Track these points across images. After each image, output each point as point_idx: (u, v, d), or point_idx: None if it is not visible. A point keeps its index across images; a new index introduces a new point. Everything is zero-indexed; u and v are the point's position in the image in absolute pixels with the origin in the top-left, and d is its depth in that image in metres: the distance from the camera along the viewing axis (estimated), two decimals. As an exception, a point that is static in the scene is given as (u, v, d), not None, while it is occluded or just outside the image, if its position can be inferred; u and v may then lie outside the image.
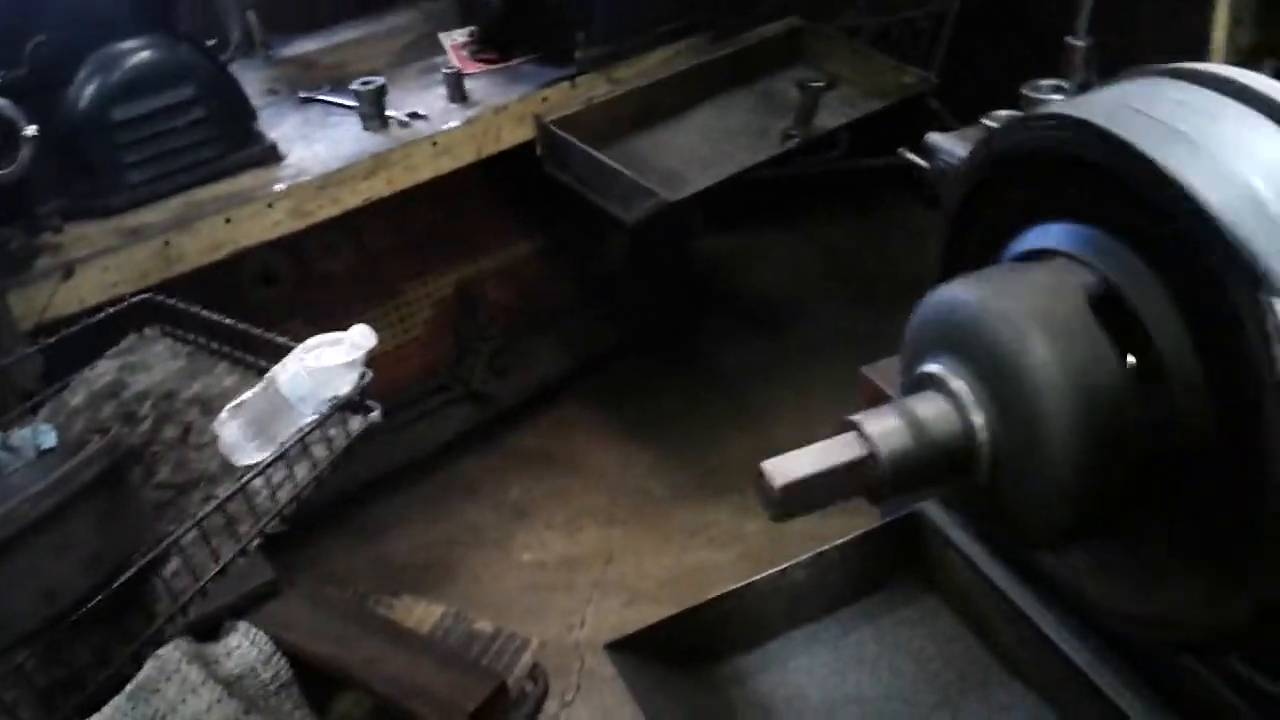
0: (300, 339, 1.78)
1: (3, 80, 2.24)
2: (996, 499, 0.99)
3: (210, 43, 2.71)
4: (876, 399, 1.63)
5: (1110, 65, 1.55)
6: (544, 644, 1.95)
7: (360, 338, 1.53)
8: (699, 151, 2.96)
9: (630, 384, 3.43)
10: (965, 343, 0.99)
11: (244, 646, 1.48)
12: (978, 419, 0.98)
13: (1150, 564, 1.06)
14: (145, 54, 2.42)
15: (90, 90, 2.38)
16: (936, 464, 0.97)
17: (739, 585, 1.51)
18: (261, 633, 1.49)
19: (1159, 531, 1.04)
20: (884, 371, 1.64)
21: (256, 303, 2.85)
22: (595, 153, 2.71)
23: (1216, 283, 0.88)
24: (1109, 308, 0.95)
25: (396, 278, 3.19)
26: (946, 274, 1.15)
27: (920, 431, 0.97)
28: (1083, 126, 0.98)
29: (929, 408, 0.99)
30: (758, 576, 1.52)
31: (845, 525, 2.76)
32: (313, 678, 1.64)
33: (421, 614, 2.38)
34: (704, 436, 3.19)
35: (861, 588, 1.58)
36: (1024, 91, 1.43)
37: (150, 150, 2.44)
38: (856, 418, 0.99)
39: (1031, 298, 0.97)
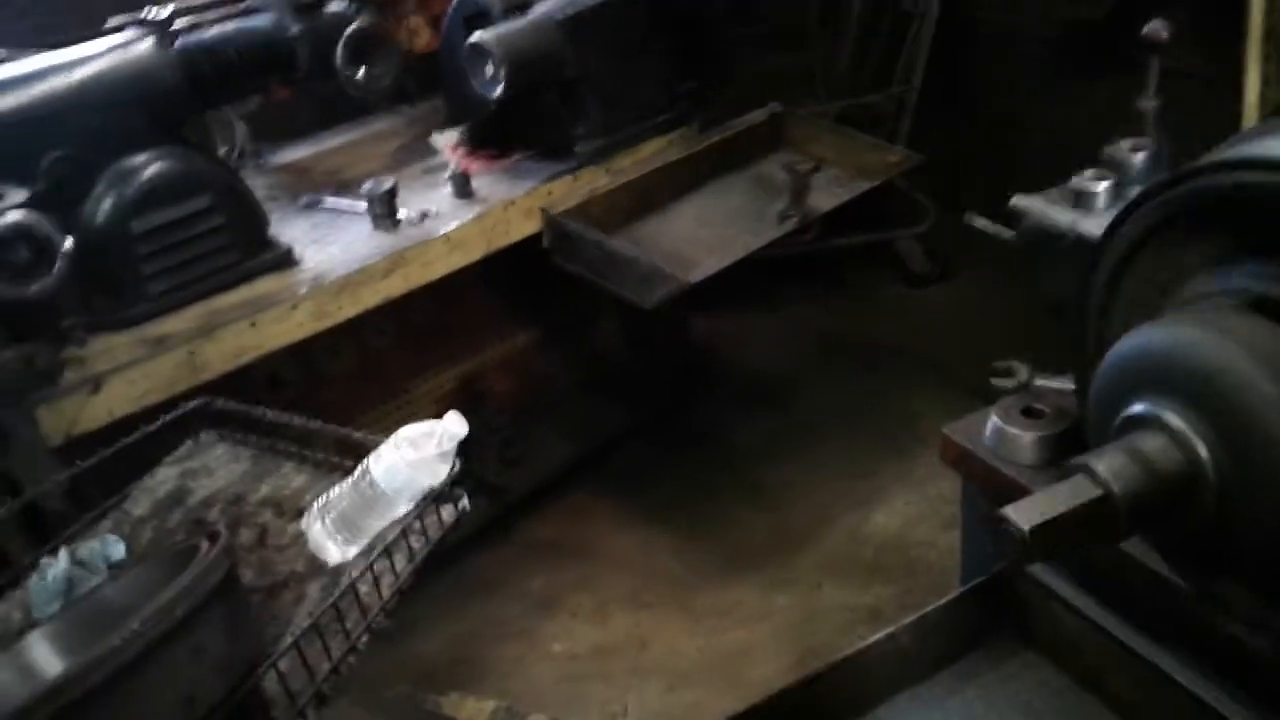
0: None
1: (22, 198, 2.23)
2: (1223, 531, 1.02)
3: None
4: (962, 459, 1.66)
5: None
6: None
7: (455, 426, 1.53)
8: (701, 235, 3.02)
9: (639, 467, 3.43)
10: (1172, 380, 1.03)
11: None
12: (1202, 450, 1.02)
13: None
14: (161, 165, 2.42)
15: (108, 203, 2.36)
16: (1167, 499, 1.00)
17: (850, 652, 1.51)
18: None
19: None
20: (966, 430, 1.67)
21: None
22: (609, 241, 2.76)
23: None
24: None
25: (399, 376, 3.17)
26: (1103, 330, 1.19)
27: (1148, 467, 1.00)
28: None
29: (1151, 443, 1.03)
30: (866, 642, 1.53)
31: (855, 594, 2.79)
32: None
33: (472, 710, 2.34)
34: (719, 517, 3.19)
35: (961, 647, 1.59)
36: (1108, 153, 1.50)
37: (170, 260, 2.43)
38: (1083, 459, 1.02)
39: (1233, 330, 1.02)
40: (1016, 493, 1.57)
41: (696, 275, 2.73)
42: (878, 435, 3.42)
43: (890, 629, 1.54)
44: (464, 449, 1.58)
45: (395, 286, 2.66)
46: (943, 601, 1.56)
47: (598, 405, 3.50)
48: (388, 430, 1.62)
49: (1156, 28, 1.65)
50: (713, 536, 3.12)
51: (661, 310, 2.79)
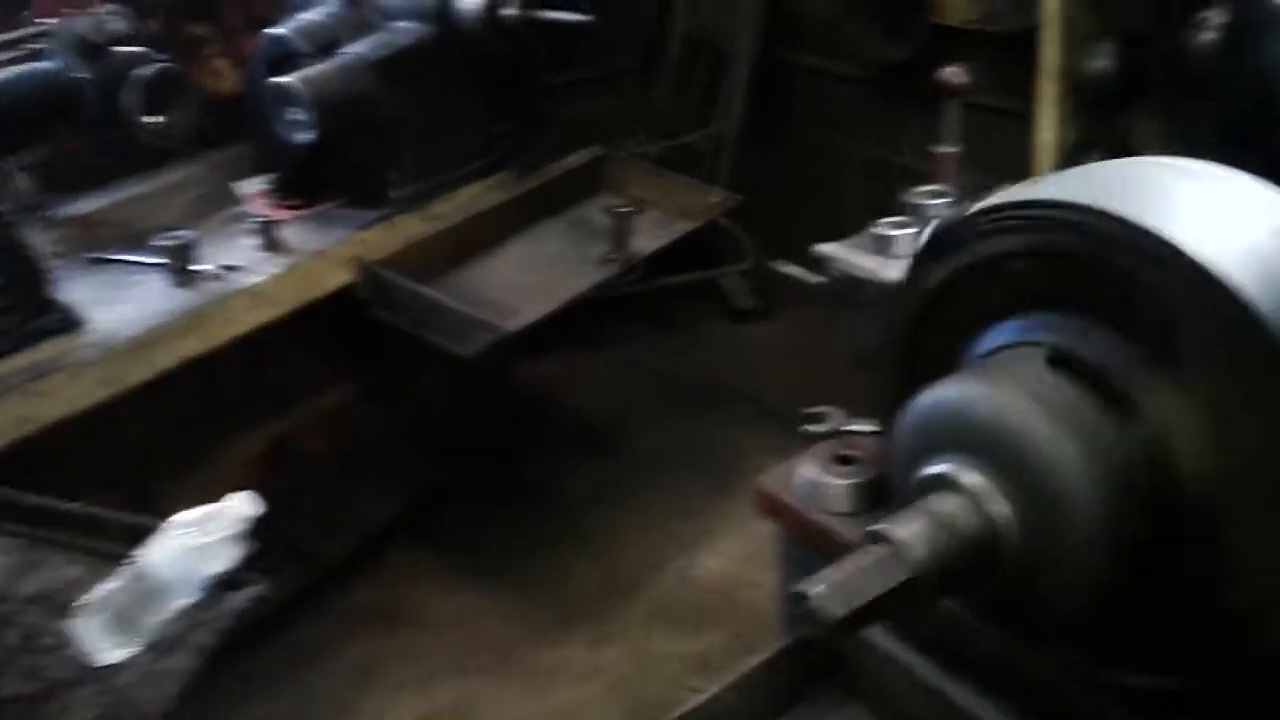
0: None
1: None
2: (1027, 589, 1.02)
3: (-7, 207, 2.50)
4: (776, 509, 1.64)
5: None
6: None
7: (245, 507, 1.42)
8: (523, 281, 2.97)
9: (465, 523, 3.32)
10: (968, 439, 1.02)
11: None
12: (999, 509, 1.01)
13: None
14: (-77, 224, 2.22)
15: None
16: (970, 561, 0.99)
17: (673, 717, 1.46)
18: None
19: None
20: (780, 478, 1.65)
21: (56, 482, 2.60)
22: (426, 290, 2.68)
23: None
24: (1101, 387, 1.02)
25: (203, 441, 2.98)
26: (905, 381, 1.18)
27: (949, 530, 0.99)
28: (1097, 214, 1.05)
29: (949, 505, 1.01)
30: (689, 705, 1.48)
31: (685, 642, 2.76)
32: None
33: (287, 802, 2.17)
34: (549, 570, 3.12)
35: (785, 703, 1.56)
36: (907, 200, 1.51)
37: (-65, 327, 2.22)
38: (881, 527, 0.99)
39: (1028, 386, 1.02)
40: (830, 542, 1.56)
41: (518, 323, 2.67)
42: (706, 475, 3.42)
43: (713, 690, 1.50)
44: (270, 520, 1.47)
45: (194, 347, 2.50)
46: (765, 658, 1.53)
47: (420, 460, 3.38)
48: (191, 501, 1.50)
49: (951, 73, 1.68)
50: (542, 591, 3.04)
51: (484, 358, 2.71)
